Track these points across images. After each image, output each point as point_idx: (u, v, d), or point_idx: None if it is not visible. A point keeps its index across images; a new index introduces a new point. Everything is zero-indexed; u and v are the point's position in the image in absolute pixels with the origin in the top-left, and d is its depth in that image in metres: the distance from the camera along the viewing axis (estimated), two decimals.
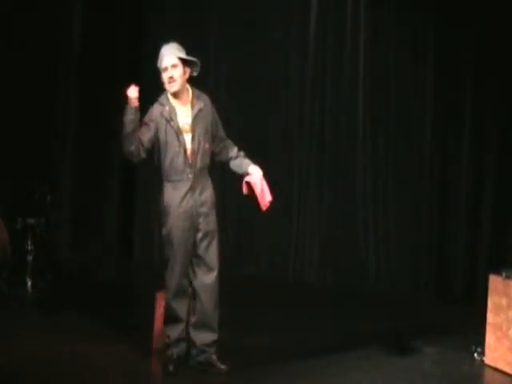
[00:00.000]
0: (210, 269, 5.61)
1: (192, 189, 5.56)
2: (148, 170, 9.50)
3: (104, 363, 5.76)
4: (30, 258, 7.72)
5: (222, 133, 5.77)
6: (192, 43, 9.03)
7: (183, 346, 5.71)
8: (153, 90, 9.56)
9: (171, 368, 5.61)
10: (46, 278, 7.88)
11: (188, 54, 5.63)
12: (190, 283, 5.65)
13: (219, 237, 5.71)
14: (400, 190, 8.36)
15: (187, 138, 5.56)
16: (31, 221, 7.79)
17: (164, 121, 5.54)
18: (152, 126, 5.55)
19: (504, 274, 5.94)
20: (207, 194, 5.62)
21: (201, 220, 5.58)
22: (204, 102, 5.64)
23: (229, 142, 5.80)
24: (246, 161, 5.73)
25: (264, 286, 8.35)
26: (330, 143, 8.67)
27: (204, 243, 5.60)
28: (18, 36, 8.60)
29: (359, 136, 8.53)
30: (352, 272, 8.49)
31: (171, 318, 5.66)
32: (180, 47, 5.66)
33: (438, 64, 8.14)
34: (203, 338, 5.64)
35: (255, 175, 5.64)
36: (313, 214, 8.74)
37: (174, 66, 5.54)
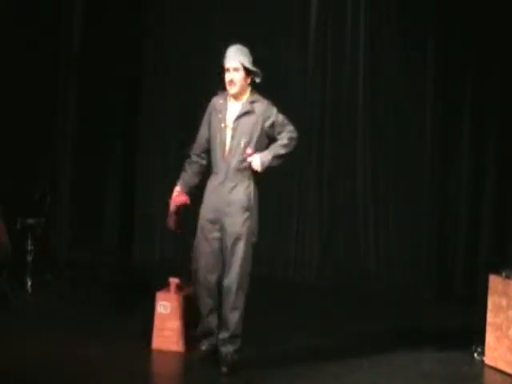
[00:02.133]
0: (230, 271, 5.63)
1: (222, 185, 5.64)
2: (148, 170, 9.54)
3: (104, 363, 5.76)
4: (30, 258, 7.72)
5: (281, 129, 5.69)
6: (192, 43, 9.15)
7: (211, 339, 5.79)
8: (153, 89, 9.58)
9: (194, 357, 5.80)
10: (45, 278, 7.88)
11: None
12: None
13: (251, 241, 5.67)
14: (400, 190, 8.36)
15: (228, 134, 5.66)
16: (31, 221, 7.79)
17: (215, 112, 5.73)
18: (206, 120, 5.82)
19: (504, 274, 5.95)
20: (238, 195, 5.62)
21: (226, 219, 5.62)
22: (257, 107, 5.66)
23: (281, 136, 5.71)
24: (266, 151, 5.66)
25: (264, 285, 8.34)
26: (329, 143, 8.67)
27: (228, 244, 5.63)
28: (18, 36, 8.60)
29: (359, 136, 8.53)
30: (352, 272, 8.49)
31: (199, 311, 5.79)
32: (246, 51, 5.74)
33: (438, 64, 8.14)
34: (220, 333, 5.72)
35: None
36: (313, 214, 8.74)
37: (235, 69, 5.65)
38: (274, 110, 5.71)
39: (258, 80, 5.71)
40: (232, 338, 5.65)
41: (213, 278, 5.70)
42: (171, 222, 5.97)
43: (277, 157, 5.67)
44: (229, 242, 5.61)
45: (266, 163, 5.62)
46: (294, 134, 5.74)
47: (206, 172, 5.86)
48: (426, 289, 8.15)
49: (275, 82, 8.88)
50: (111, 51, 9.22)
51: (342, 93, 8.61)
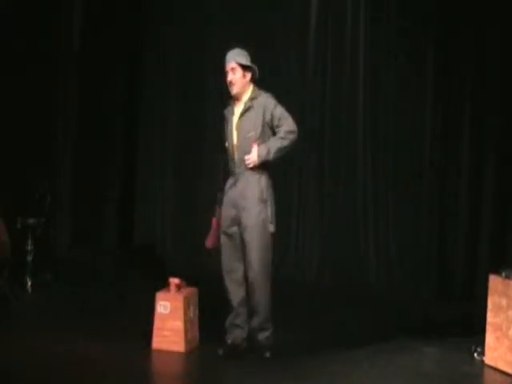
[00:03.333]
0: (251, 262, 5.88)
1: (236, 181, 5.92)
2: (148, 170, 9.54)
3: (104, 363, 5.76)
4: (29, 258, 7.73)
5: (278, 122, 5.88)
6: (192, 43, 9.15)
7: (237, 332, 5.99)
8: (153, 89, 9.57)
9: (220, 352, 5.92)
10: (46, 278, 7.89)
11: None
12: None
13: (269, 231, 5.90)
14: (400, 191, 8.35)
15: (235, 134, 5.94)
16: (31, 221, 7.80)
17: (225, 121, 6.05)
18: (223, 129, 6.09)
19: (504, 274, 5.94)
20: (251, 189, 5.89)
21: (242, 213, 5.89)
22: (258, 101, 5.91)
23: (279, 129, 5.91)
24: (262, 145, 5.86)
25: None
26: (330, 144, 8.67)
27: (246, 236, 5.88)
28: (18, 36, 8.60)
29: (359, 136, 8.53)
30: (352, 272, 8.49)
31: (227, 303, 6.00)
32: (243, 52, 5.99)
33: (438, 64, 8.13)
34: (251, 322, 5.97)
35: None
36: (313, 214, 8.74)
37: (232, 69, 5.92)
38: (273, 102, 5.92)
39: (257, 76, 5.95)
40: (264, 324, 5.93)
41: (239, 267, 5.95)
42: (213, 240, 6.15)
43: (274, 150, 5.86)
44: (247, 234, 5.87)
45: (263, 157, 5.84)
46: (293, 128, 5.91)
47: None
48: (425, 289, 8.14)
49: (275, 82, 8.89)
50: (111, 51, 9.23)
51: (342, 93, 8.61)
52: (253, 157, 5.83)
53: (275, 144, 5.85)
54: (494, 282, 6.00)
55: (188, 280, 6.34)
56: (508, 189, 7.71)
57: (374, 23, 8.44)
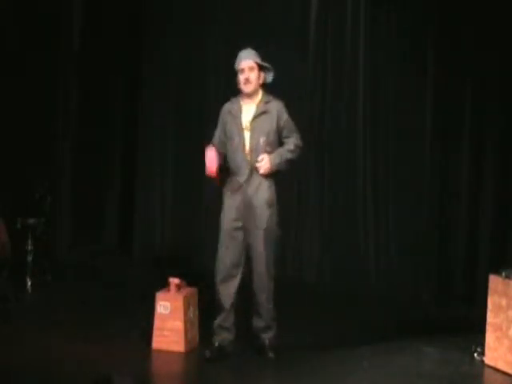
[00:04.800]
0: (256, 267, 5.93)
1: (247, 184, 5.90)
2: (148, 170, 9.54)
3: (104, 363, 5.76)
4: (29, 258, 7.73)
5: (288, 133, 5.98)
6: (192, 43, 9.15)
7: (225, 334, 5.96)
8: (153, 90, 9.58)
9: (207, 354, 5.89)
10: (46, 278, 7.89)
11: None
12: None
13: (275, 238, 6.01)
14: (400, 190, 8.35)
15: (247, 135, 5.92)
16: (31, 221, 7.80)
17: (231, 118, 6.00)
18: (221, 124, 6.07)
19: (504, 274, 5.94)
20: (262, 192, 5.92)
21: (253, 216, 5.89)
22: (272, 106, 5.97)
23: (289, 141, 5.99)
24: (275, 153, 5.90)
25: None
26: (330, 143, 8.66)
27: (257, 239, 5.90)
28: (18, 36, 8.60)
29: (359, 136, 8.53)
30: (352, 272, 8.48)
31: (216, 304, 5.99)
32: (257, 53, 6.06)
33: (438, 64, 8.13)
34: (255, 323, 5.99)
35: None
36: (313, 214, 8.73)
37: (250, 68, 5.95)
38: (286, 113, 6.01)
39: (270, 78, 6.04)
40: (269, 324, 5.96)
41: (237, 273, 5.94)
42: (215, 165, 5.90)
43: (284, 161, 5.97)
44: (257, 237, 5.88)
45: (275, 166, 5.92)
46: (301, 143, 6.05)
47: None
48: (426, 289, 8.14)
49: (275, 82, 8.89)
50: (111, 51, 9.23)
51: (342, 93, 8.61)
52: (265, 164, 5.86)
53: (286, 155, 5.94)
54: (494, 282, 6.00)
55: (188, 280, 6.34)
56: (508, 189, 7.71)
57: (374, 23, 8.43)
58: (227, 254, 5.95)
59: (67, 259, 8.99)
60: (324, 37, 8.66)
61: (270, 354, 5.93)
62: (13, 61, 8.51)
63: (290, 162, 6.00)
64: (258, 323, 6.00)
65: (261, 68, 6.00)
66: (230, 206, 5.96)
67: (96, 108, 9.28)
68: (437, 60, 8.13)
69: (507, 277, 5.91)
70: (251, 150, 5.91)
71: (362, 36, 8.47)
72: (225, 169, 6.01)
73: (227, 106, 6.09)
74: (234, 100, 6.08)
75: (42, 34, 8.76)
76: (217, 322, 6.00)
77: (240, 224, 5.92)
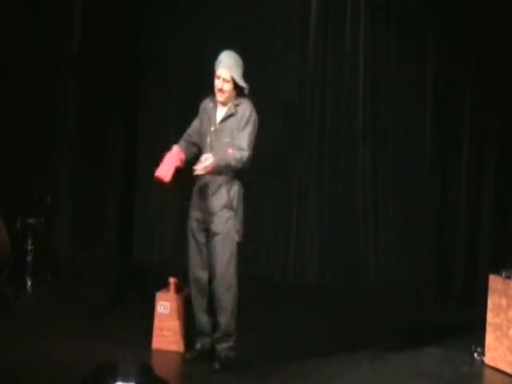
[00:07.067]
0: (215, 271, 5.74)
1: (207, 185, 5.74)
2: (148, 170, 9.53)
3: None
4: (29, 258, 7.72)
5: (239, 142, 5.70)
6: (192, 44, 9.14)
7: (205, 339, 5.90)
8: (153, 90, 9.56)
9: (188, 355, 5.91)
10: (46, 278, 7.88)
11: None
12: None
13: (235, 241, 5.75)
14: (400, 191, 8.35)
15: (214, 137, 5.79)
16: (31, 221, 7.79)
17: (206, 117, 5.89)
18: (198, 118, 5.97)
19: (504, 274, 5.95)
20: (221, 195, 5.72)
21: (210, 219, 5.74)
22: (240, 109, 5.77)
23: (239, 145, 5.70)
24: (222, 157, 5.63)
25: (264, 286, 8.34)
26: (330, 143, 8.67)
27: (212, 243, 5.74)
28: (18, 37, 8.59)
29: (359, 136, 8.53)
30: (352, 272, 8.49)
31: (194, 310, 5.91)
32: (239, 63, 5.80)
33: (438, 64, 8.14)
34: (215, 332, 5.84)
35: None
36: (313, 214, 8.73)
37: (225, 80, 5.73)
38: (248, 116, 5.73)
39: (245, 92, 5.80)
40: (224, 336, 5.77)
41: (203, 276, 5.82)
42: (171, 170, 5.85)
43: (224, 166, 5.64)
44: (212, 241, 5.73)
45: (213, 169, 5.59)
46: (246, 158, 5.66)
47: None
48: (425, 289, 8.14)
49: (275, 82, 8.90)
50: (111, 51, 9.23)
51: (342, 93, 8.61)
52: (209, 165, 5.53)
53: (231, 162, 5.62)
54: (494, 282, 6.00)
55: (187, 280, 6.33)
56: (508, 189, 7.72)
57: (374, 23, 8.44)
58: (192, 256, 5.87)
59: (67, 259, 8.98)
60: (324, 37, 8.66)
61: (216, 365, 5.72)
62: (12, 61, 8.51)
63: (227, 167, 5.64)
64: (215, 333, 5.82)
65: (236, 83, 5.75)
66: (194, 205, 5.85)
67: (96, 108, 9.27)
68: (437, 60, 8.14)
69: (507, 277, 5.91)
70: (216, 151, 5.68)
71: (362, 36, 8.47)
72: (183, 169, 5.84)
73: (206, 102, 5.92)
74: (212, 98, 5.89)
75: (42, 34, 8.75)
76: (195, 327, 5.94)
77: (202, 225, 5.80)
